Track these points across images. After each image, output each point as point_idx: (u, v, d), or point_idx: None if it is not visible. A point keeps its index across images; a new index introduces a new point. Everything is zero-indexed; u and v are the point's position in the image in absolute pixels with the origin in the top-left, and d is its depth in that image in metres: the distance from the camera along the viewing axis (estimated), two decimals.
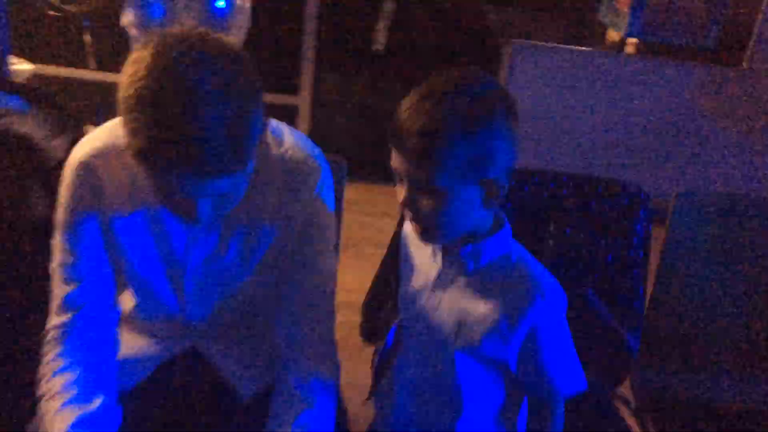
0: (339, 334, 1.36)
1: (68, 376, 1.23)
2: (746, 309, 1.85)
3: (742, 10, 3.80)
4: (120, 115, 1.06)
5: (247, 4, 2.98)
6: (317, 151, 1.32)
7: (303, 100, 4.02)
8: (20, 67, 3.37)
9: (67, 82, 3.62)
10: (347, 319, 1.52)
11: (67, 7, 2.86)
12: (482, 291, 1.21)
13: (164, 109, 1.01)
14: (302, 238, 1.31)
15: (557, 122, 3.88)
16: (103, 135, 1.26)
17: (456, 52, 4.36)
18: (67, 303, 1.27)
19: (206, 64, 1.03)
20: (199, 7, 2.76)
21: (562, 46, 3.88)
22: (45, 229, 1.32)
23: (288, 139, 1.29)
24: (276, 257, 1.32)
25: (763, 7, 3.72)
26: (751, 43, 3.77)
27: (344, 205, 1.67)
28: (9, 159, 1.62)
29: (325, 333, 1.34)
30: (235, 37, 2.83)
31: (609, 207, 1.72)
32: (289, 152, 1.28)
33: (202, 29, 1.08)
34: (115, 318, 1.33)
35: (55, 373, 1.23)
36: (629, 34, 3.87)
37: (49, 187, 1.41)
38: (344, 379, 1.37)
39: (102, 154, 1.24)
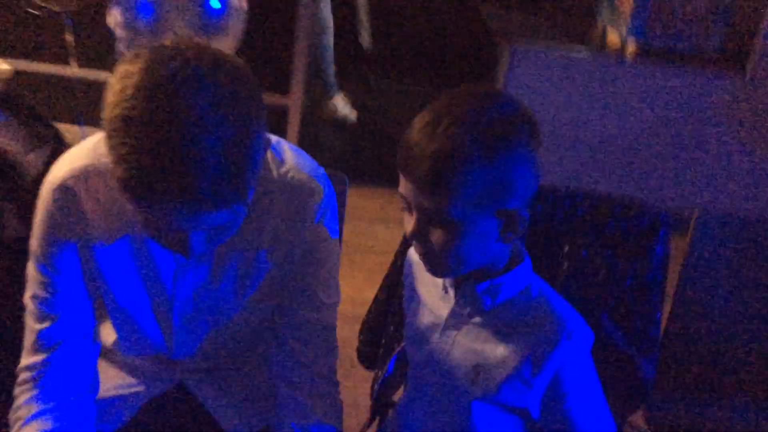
0: None
1: (42, 425, 1.13)
2: None
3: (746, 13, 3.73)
4: (104, 137, 0.94)
5: (244, 5, 2.84)
6: (321, 171, 1.22)
7: (293, 102, 3.92)
8: None
9: (49, 80, 3.51)
10: (339, 333, 1.36)
11: (50, 6, 2.75)
12: (501, 331, 1.10)
13: (154, 133, 0.88)
14: (302, 267, 1.20)
15: (557, 127, 3.80)
16: (84, 154, 1.14)
17: (452, 53, 4.29)
18: (42, 341, 1.16)
19: (203, 82, 0.90)
20: (192, 7, 2.62)
21: (562, 48, 3.79)
22: (18, 253, 1.21)
23: (289, 158, 1.18)
24: (272, 288, 1.22)
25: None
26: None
27: None
28: None
29: (326, 371, 1.25)
30: (230, 40, 2.69)
31: (627, 227, 1.64)
32: (290, 173, 1.17)
33: (198, 40, 0.96)
34: (94, 353, 1.24)
35: (28, 420, 1.14)
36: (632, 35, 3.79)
37: (24, 206, 1.30)
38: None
39: (82, 176, 1.12)
